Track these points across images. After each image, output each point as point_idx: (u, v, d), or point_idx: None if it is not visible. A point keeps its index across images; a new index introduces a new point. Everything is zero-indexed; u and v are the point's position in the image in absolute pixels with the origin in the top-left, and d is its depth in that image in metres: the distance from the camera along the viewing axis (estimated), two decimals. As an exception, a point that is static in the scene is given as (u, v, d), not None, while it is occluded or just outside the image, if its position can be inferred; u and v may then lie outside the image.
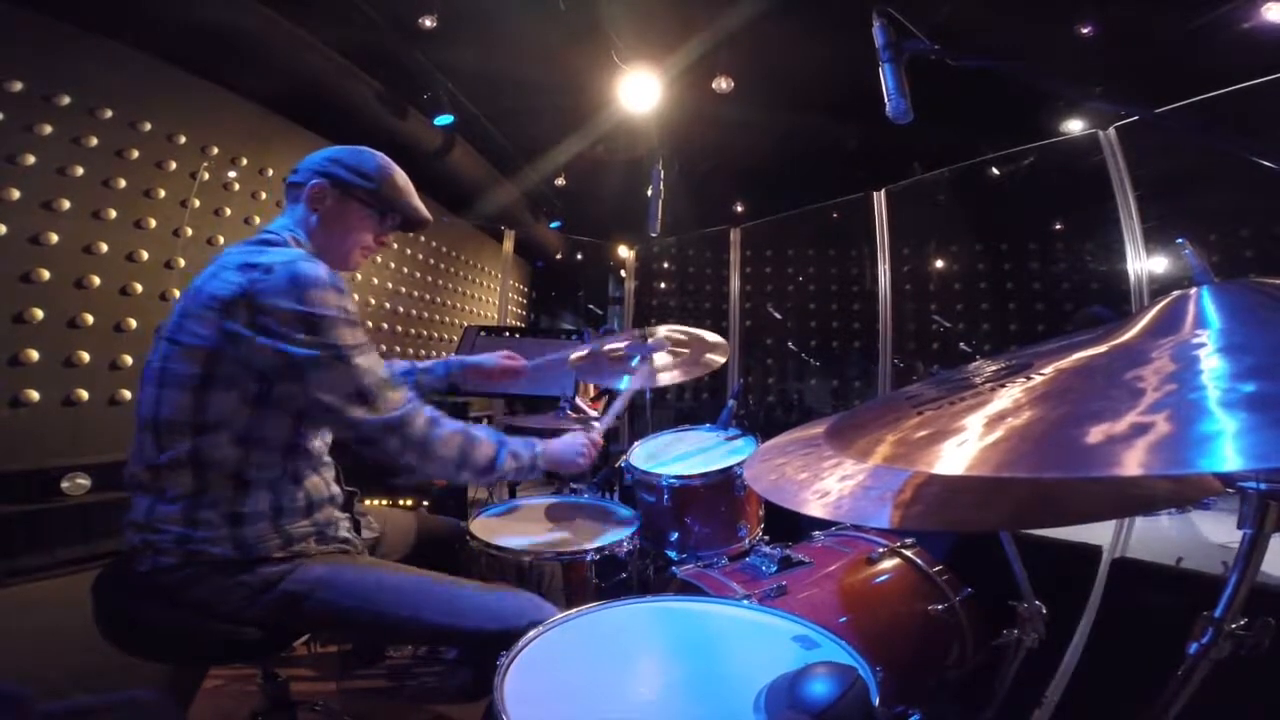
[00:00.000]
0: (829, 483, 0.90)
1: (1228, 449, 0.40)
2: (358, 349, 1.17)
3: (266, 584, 1.13)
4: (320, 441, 1.30)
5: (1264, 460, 0.40)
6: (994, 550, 1.07)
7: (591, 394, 3.98)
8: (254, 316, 1.11)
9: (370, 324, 4.17)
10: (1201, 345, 0.54)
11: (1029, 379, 0.60)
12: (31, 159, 2.25)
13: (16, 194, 2.21)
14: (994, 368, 0.68)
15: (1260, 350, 0.52)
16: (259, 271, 1.13)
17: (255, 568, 1.13)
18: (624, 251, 5.77)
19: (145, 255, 2.60)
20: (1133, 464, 0.42)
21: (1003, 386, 0.60)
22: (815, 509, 0.86)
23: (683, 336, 2.14)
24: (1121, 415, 0.47)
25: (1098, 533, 1.90)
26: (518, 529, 1.71)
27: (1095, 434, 0.46)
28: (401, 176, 1.38)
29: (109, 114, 2.51)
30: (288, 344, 1.11)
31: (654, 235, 4.19)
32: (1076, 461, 0.45)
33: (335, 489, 1.33)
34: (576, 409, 2.92)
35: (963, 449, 0.53)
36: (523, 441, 1.38)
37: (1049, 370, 0.60)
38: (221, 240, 2.95)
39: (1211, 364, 0.51)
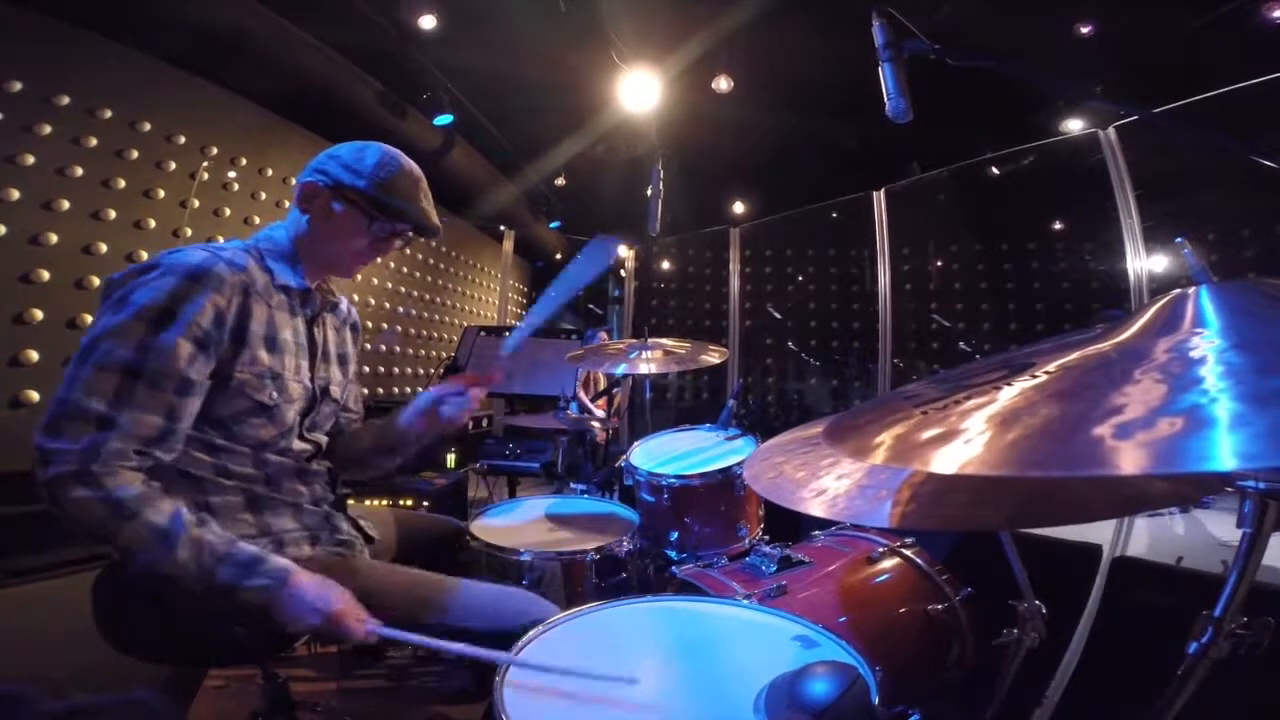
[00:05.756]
0: (827, 481, 0.90)
1: (1261, 444, 0.39)
2: (113, 359, 0.96)
3: (265, 586, 1.12)
4: (287, 443, 1.21)
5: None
6: (994, 550, 1.07)
7: (601, 385, 3.98)
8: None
9: (370, 324, 4.17)
10: (1207, 344, 0.53)
11: (1034, 377, 0.59)
12: (31, 159, 2.26)
13: (16, 194, 2.21)
14: (992, 367, 0.67)
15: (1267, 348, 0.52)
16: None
17: (253, 569, 1.12)
18: (624, 251, 5.77)
19: (145, 255, 2.59)
20: (1167, 462, 0.41)
21: (1006, 385, 0.59)
22: (813, 508, 0.86)
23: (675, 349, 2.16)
24: (1145, 413, 0.45)
25: (1098, 532, 1.90)
26: (518, 529, 1.71)
27: (1120, 432, 0.44)
28: (406, 176, 1.23)
29: (109, 114, 2.51)
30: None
31: (654, 235, 4.19)
32: (1103, 460, 0.44)
33: (326, 492, 1.32)
34: (582, 407, 2.91)
35: (969, 448, 0.51)
36: (237, 564, 1.00)
37: (1054, 368, 0.59)
38: (221, 241, 2.95)
39: (1222, 363, 0.50)
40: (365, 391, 4.13)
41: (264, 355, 1.14)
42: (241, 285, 1.09)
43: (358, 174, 1.19)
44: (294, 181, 1.27)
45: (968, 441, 0.53)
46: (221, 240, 2.90)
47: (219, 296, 1.06)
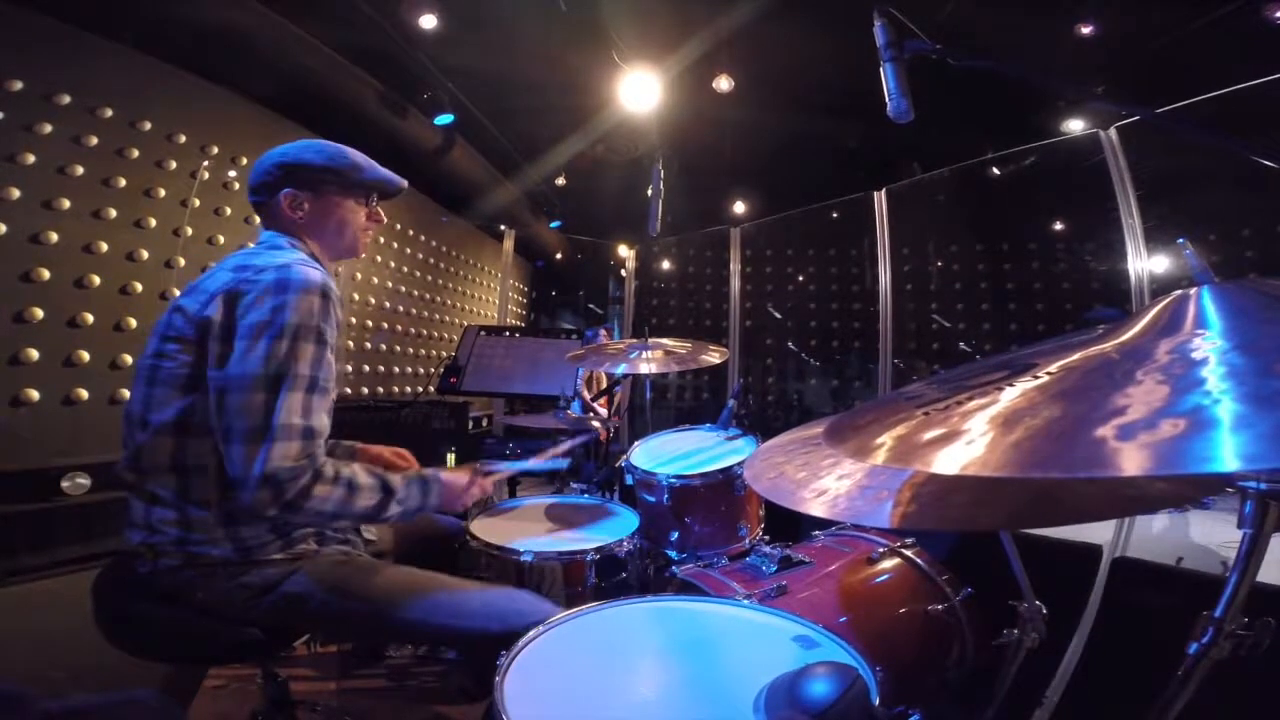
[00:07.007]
0: (827, 481, 0.90)
1: (1263, 446, 0.38)
2: (299, 380, 1.07)
3: (267, 585, 1.13)
4: None
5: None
6: (994, 550, 1.07)
7: (602, 385, 3.98)
8: (229, 317, 1.09)
9: (370, 324, 4.17)
10: (1209, 345, 0.53)
11: (1035, 378, 0.59)
12: (31, 159, 2.25)
13: (16, 194, 2.20)
14: (994, 367, 0.67)
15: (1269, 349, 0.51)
16: (251, 271, 1.12)
17: (256, 569, 1.13)
18: (624, 251, 5.77)
19: (145, 255, 2.60)
20: (1170, 464, 0.41)
21: (1008, 386, 0.59)
22: (813, 508, 0.86)
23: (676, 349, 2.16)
24: (1147, 414, 0.45)
25: (1098, 533, 1.90)
26: (518, 529, 1.71)
27: (1123, 433, 0.44)
28: (355, 151, 1.35)
29: (109, 114, 2.51)
30: (242, 351, 1.07)
31: (654, 235, 4.19)
32: (1105, 461, 0.43)
33: None
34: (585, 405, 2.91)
35: (971, 449, 0.51)
36: (417, 486, 1.22)
37: (1055, 369, 0.59)
38: (221, 240, 2.95)
39: (1223, 364, 0.50)
40: (365, 391, 4.13)
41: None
42: (338, 296, 1.20)
43: (342, 167, 1.32)
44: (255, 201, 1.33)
45: (969, 442, 0.52)
46: (222, 240, 2.93)
47: (339, 308, 1.18)
